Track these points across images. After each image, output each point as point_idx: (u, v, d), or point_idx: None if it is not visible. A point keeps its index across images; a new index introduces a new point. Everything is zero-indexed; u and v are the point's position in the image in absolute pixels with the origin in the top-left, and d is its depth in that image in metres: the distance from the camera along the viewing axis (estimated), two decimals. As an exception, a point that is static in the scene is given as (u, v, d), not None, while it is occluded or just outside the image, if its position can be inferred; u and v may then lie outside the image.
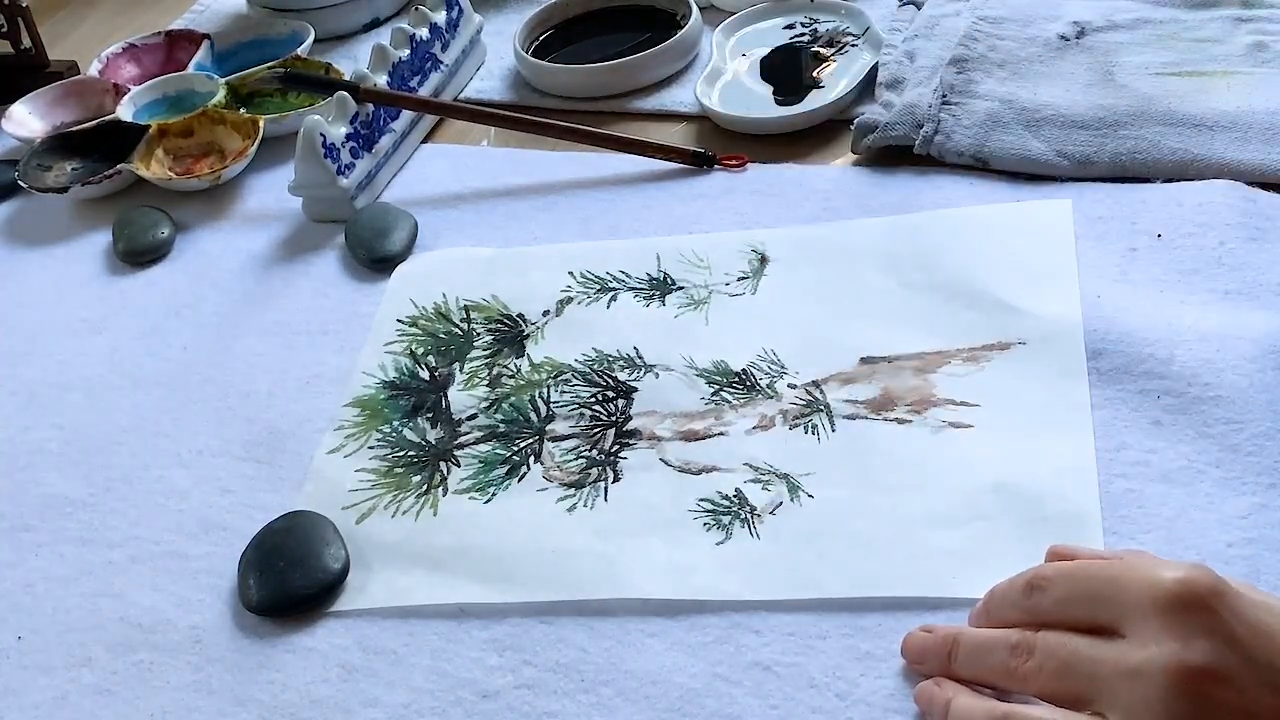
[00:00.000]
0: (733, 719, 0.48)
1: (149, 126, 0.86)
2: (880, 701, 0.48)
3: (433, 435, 0.63)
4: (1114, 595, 0.43)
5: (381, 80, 0.82)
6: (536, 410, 0.63)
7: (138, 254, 0.79)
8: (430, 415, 0.64)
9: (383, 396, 0.66)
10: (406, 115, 0.84)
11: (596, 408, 0.63)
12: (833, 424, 0.59)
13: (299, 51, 0.93)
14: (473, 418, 0.64)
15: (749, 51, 0.86)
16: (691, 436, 0.60)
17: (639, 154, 0.79)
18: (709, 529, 0.55)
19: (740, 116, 0.79)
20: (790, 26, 0.87)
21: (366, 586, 0.56)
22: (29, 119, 0.92)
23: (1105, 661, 0.42)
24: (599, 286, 0.70)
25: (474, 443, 0.62)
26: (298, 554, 0.57)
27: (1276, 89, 0.72)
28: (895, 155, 0.75)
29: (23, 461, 0.66)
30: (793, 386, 0.61)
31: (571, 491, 0.59)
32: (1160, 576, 0.42)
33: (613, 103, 0.86)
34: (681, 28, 0.88)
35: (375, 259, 0.75)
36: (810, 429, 0.59)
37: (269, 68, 0.91)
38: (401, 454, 0.62)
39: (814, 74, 0.82)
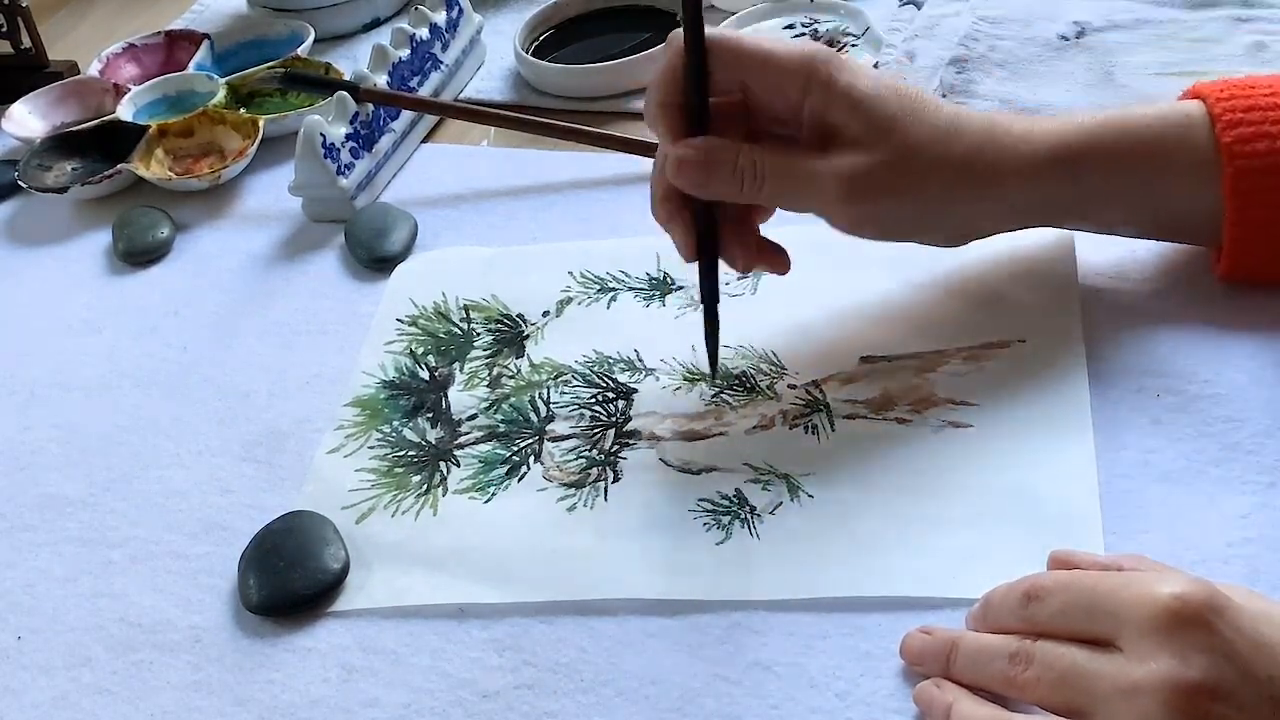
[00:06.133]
0: (733, 719, 0.48)
1: (149, 126, 0.86)
2: (880, 701, 0.48)
3: (433, 435, 0.63)
4: (1112, 609, 0.43)
5: (381, 80, 0.82)
6: (536, 410, 0.63)
7: (137, 254, 0.79)
8: (430, 415, 0.64)
9: (383, 396, 0.66)
10: (406, 115, 0.84)
11: (596, 408, 0.63)
12: (833, 424, 0.59)
13: (299, 51, 0.93)
14: (473, 418, 0.64)
15: (749, 51, 0.85)
16: (691, 436, 0.60)
17: (639, 154, 0.79)
18: (709, 529, 0.55)
19: (740, 116, 0.79)
20: (790, 26, 0.87)
21: (366, 586, 0.56)
22: (29, 119, 0.92)
23: (1103, 676, 0.42)
24: (599, 286, 0.70)
25: (474, 443, 0.62)
26: (298, 554, 0.57)
27: (1276, 89, 0.72)
28: (895, 155, 0.75)
29: (23, 461, 0.66)
30: (792, 387, 0.61)
31: (571, 491, 0.59)
32: (1158, 591, 0.41)
33: (613, 103, 0.85)
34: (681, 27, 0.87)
35: (375, 259, 0.75)
36: (810, 429, 0.59)
37: (269, 68, 0.91)
38: (401, 454, 0.62)
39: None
